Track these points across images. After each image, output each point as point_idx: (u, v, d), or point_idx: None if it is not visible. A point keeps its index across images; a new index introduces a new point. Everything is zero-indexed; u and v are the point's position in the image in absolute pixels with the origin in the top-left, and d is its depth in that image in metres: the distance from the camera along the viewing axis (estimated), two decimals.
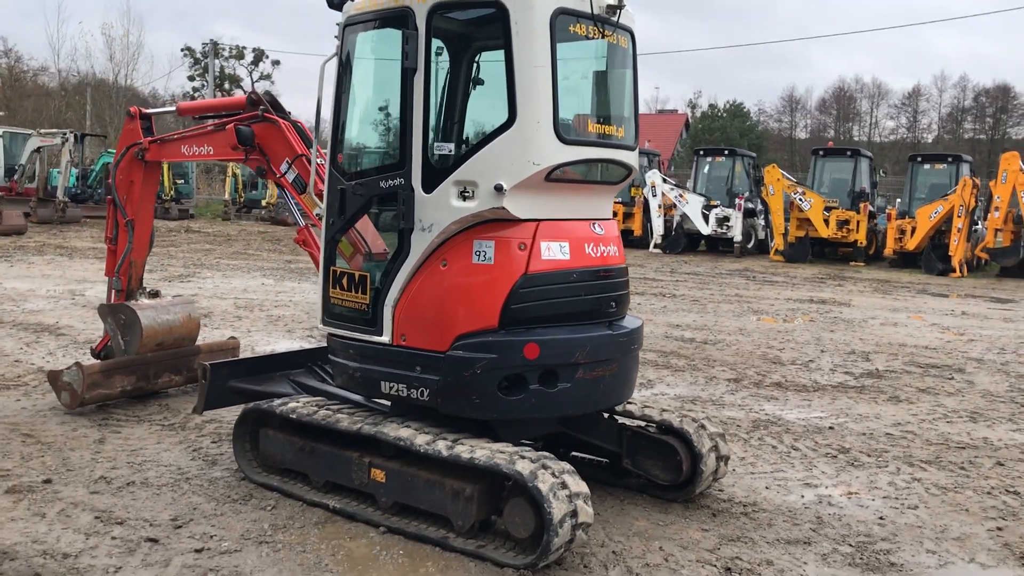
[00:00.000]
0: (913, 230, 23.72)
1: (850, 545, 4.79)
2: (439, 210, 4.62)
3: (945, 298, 17.77)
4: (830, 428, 7.13)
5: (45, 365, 8.21)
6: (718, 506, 5.31)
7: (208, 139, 6.53)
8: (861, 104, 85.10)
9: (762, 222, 28.13)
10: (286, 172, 6.15)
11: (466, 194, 4.57)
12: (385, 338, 4.86)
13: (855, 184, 26.00)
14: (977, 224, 24.43)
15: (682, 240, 27.13)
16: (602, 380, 4.85)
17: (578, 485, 4.37)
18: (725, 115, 69.51)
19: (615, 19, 4.78)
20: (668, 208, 27.27)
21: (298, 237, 6.25)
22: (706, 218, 26.48)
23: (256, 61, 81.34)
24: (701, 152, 30.11)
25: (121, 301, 7.12)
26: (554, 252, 4.70)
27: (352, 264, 5.10)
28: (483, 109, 5.05)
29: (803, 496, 5.55)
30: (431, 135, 4.70)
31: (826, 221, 24.82)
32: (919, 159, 26.76)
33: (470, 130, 5.13)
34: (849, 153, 27.16)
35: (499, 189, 4.46)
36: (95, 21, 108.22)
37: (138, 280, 7.24)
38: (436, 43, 4.71)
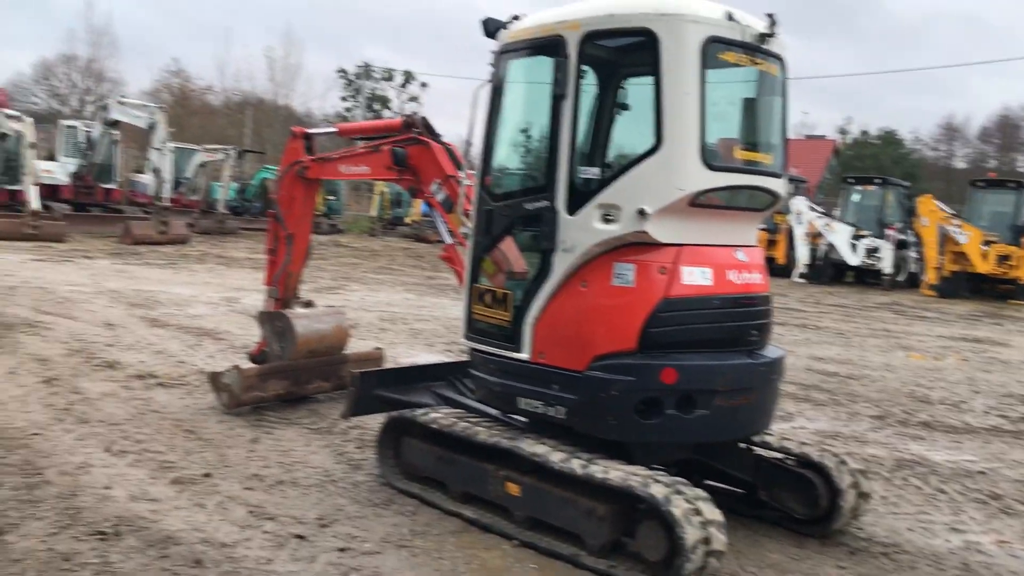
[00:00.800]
0: None
1: None
2: (582, 232, 4.72)
3: None
4: (981, 473, 6.80)
5: (206, 367, 8.76)
6: (856, 544, 5.16)
7: (365, 159, 6.86)
8: None
9: (914, 254, 26.87)
10: (436, 192, 6.39)
11: (609, 217, 4.65)
12: (524, 355, 4.99)
13: (1017, 217, 24.56)
14: None
15: (828, 270, 26.28)
16: (740, 409, 4.83)
17: (712, 512, 4.36)
18: (877, 142, 66.96)
19: (766, 47, 4.78)
20: (814, 236, 26.48)
21: (444, 254, 6.46)
22: (854, 248, 25.56)
23: (404, 83, 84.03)
24: (851, 180, 29.14)
25: (278, 309, 7.54)
26: (696, 277, 4.72)
27: (494, 282, 5.26)
28: (629, 134, 5.13)
29: (949, 541, 5.33)
30: (577, 159, 4.81)
31: (984, 255, 23.54)
32: None
33: (615, 154, 5.22)
34: (1012, 185, 25.71)
35: (642, 213, 4.53)
36: (258, 44, 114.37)
37: (294, 290, 7.66)
38: (585, 70, 4.82)
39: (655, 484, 4.41)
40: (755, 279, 5.01)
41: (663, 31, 4.49)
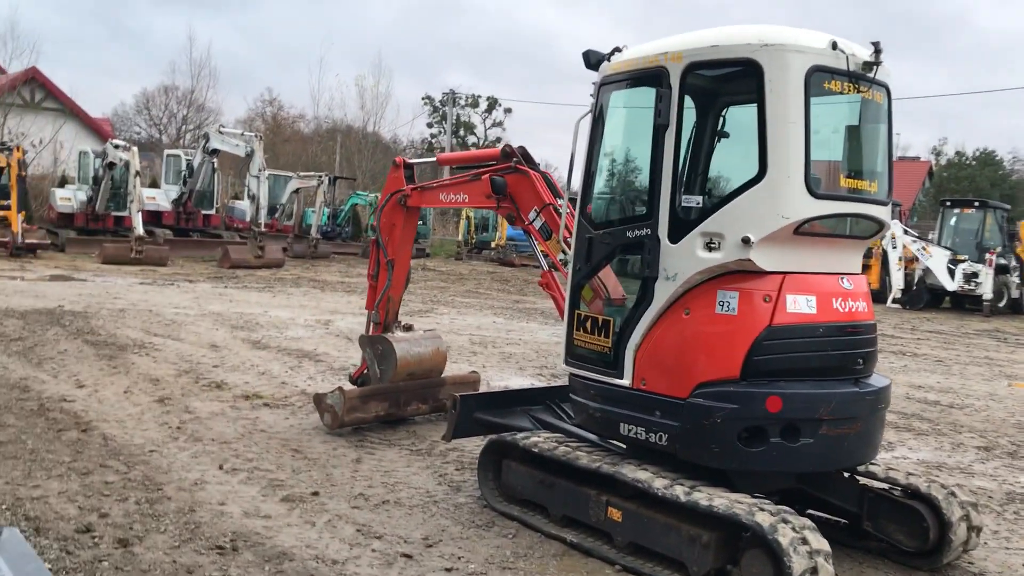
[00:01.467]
0: None
1: None
2: (684, 260, 4.77)
3: None
4: None
5: (307, 388, 9.04)
6: None
7: (464, 187, 7.03)
8: None
9: (1016, 279, 25.98)
10: (534, 220, 6.51)
11: (712, 245, 4.69)
12: (626, 381, 5.04)
13: None
14: None
15: (924, 296, 25.58)
16: (846, 438, 4.79)
17: (819, 542, 4.32)
18: (974, 163, 64.86)
19: (871, 75, 4.77)
20: (909, 261, 25.82)
21: (542, 280, 6.57)
22: (952, 273, 24.82)
23: (489, 109, 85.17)
24: (948, 203, 28.31)
25: (378, 333, 7.75)
26: (800, 305, 4.72)
27: (592, 308, 5.34)
28: (731, 163, 5.17)
29: None
30: (679, 188, 4.86)
31: None
32: None
33: (717, 183, 5.26)
34: None
35: (746, 241, 4.56)
36: (350, 73, 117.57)
37: (394, 315, 7.86)
38: (688, 100, 4.89)
39: (760, 512, 4.41)
40: (860, 307, 4.98)
41: (767, 61, 4.54)
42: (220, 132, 26.07)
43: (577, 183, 5.48)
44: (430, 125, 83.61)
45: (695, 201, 4.88)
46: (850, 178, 4.87)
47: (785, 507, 4.52)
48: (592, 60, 5.36)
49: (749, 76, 4.60)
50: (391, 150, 54.16)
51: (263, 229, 25.58)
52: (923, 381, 12.17)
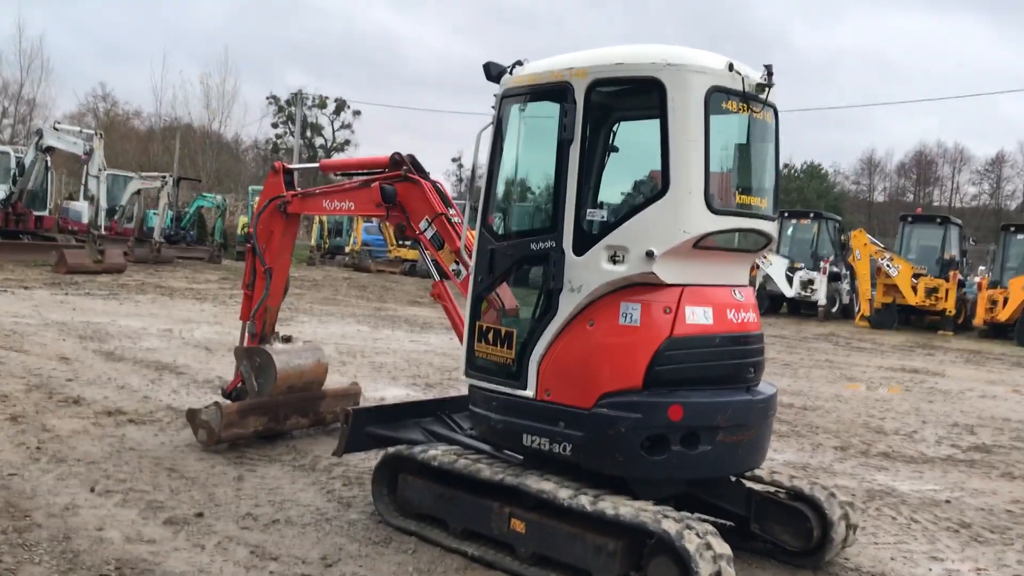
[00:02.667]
0: (1005, 300, 23.21)
1: None
2: (589, 272, 4.84)
3: None
4: (947, 502, 7.08)
5: (172, 402, 8.62)
6: (846, 575, 5.34)
7: (351, 195, 6.88)
8: (943, 169, 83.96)
9: (846, 287, 27.84)
10: (425, 230, 6.45)
11: (616, 258, 4.78)
12: (529, 392, 5.06)
13: (944, 251, 25.60)
14: None
15: (765, 301, 26.91)
16: (740, 445, 4.97)
17: (722, 547, 4.48)
18: (802, 175, 68.99)
19: (764, 96, 4.99)
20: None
21: (434, 291, 6.53)
22: (790, 280, 26.30)
23: (338, 111, 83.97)
24: (786, 214, 29.97)
25: (255, 345, 7.47)
26: (698, 317, 4.88)
27: (486, 319, 5.35)
28: (635, 178, 5.28)
29: (931, 570, 5.55)
30: (584, 201, 4.93)
31: (914, 288, 24.46)
32: (1012, 228, 26.21)
33: (621, 198, 5.36)
34: (939, 220, 26.81)
35: (650, 255, 4.67)
36: (193, 71, 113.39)
37: (272, 325, 7.60)
38: (592, 115, 4.96)
39: (666, 520, 4.52)
40: (751, 318, 5.19)
41: (670, 80, 4.67)
42: (56, 129, 24.51)
43: (479, 193, 5.46)
44: (275, 125, 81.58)
45: (599, 215, 4.96)
46: (744, 194, 5.07)
47: (687, 513, 4.65)
48: (493, 72, 5.37)
49: (652, 94, 4.72)
50: (232, 150, 52.46)
51: (102, 232, 24.23)
52: (776, 384, 12.78)
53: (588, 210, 4.94)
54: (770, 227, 5.25)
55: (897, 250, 25.93)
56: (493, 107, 5.35)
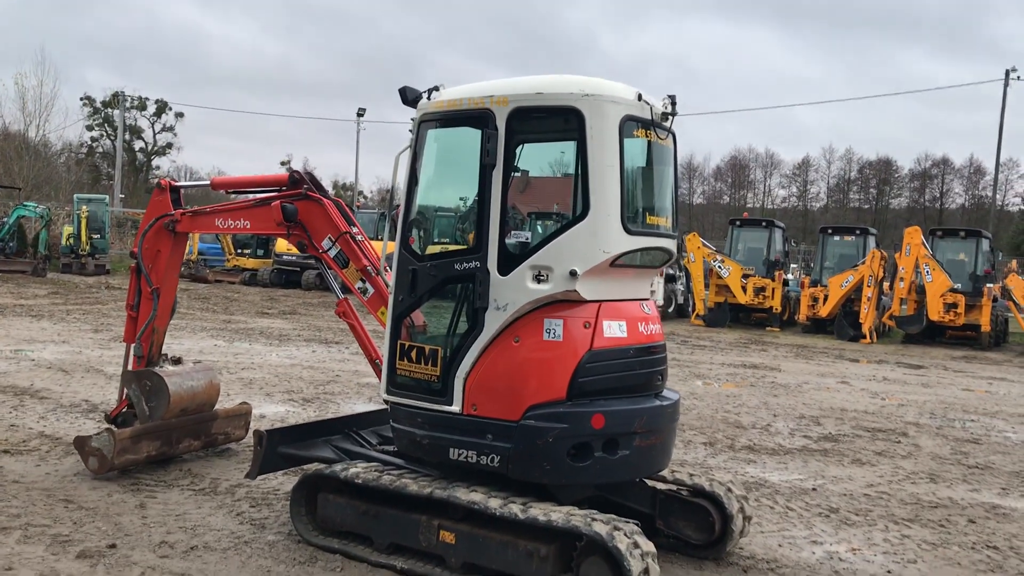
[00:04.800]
0: (825, 298, 25.17)
1: None
2: (514, 291, 5.07)
3: (858, 363, 18.97)
4: (813, 489, 7.76)
5: (44, 429, 8.21)
6: (745, 563, 5.82)
7: (247, 214, 6.82)
8: (756, 173, 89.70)
9: (681, 287, 29.36)
10: (329, 249, 6.49)
11: (541, 277, 5.04)
12: (455, 408, 5.24)
13: (770, 253, 27.45)
14: (884, 294, 26.08)
15: None
16: (653, 448, 5.35)
17: (648, 545, 4.81)
18: None
19: (668, 124, 5.38)
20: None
21: (338, 309, 6.57)
22: None
23: (159, 113, 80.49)
24: None
25: (142, 367, 7.25)
26: (614, 330, 5.21)
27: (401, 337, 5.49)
28: (554, 202, 5.55)
29: (814, 553, 6.12)
30: (508, 224, 5.16)
31: (744, 288, 26.10)
32: (829, 231, 28.45)
33: (543, 220, 5.62)
34: (764, 224, 28.69)
35: (573, 274, 4.96)
36: (7, 71, 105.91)
37: (159, 347, 7.40)
38: (513, 142, 5.19)
39: (595, 522, 4.81)
40: (657, 329, 5.57)
41: (588, 110, 4.97)
42: None
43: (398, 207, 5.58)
44: (90, 128, 77.35)
45: (524, 237, 5.21)
46: (651, 215, 5.44)
47: (613, 515, 4.96)
48: (409, 97, 5.51)
49: (571, 122, 5.01)
50: (42, 154, 49.21)
51: None
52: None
53: (513, 232, 5.18)
54: (673, 244, 5.65)
55: (727, 252, 27.57)
56: (411, 131, 5.49)
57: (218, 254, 36.14)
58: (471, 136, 5.24)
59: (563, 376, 5.05)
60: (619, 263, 5.18)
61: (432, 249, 5.60)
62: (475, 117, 5.20)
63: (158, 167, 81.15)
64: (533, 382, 5.07)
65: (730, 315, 26.70)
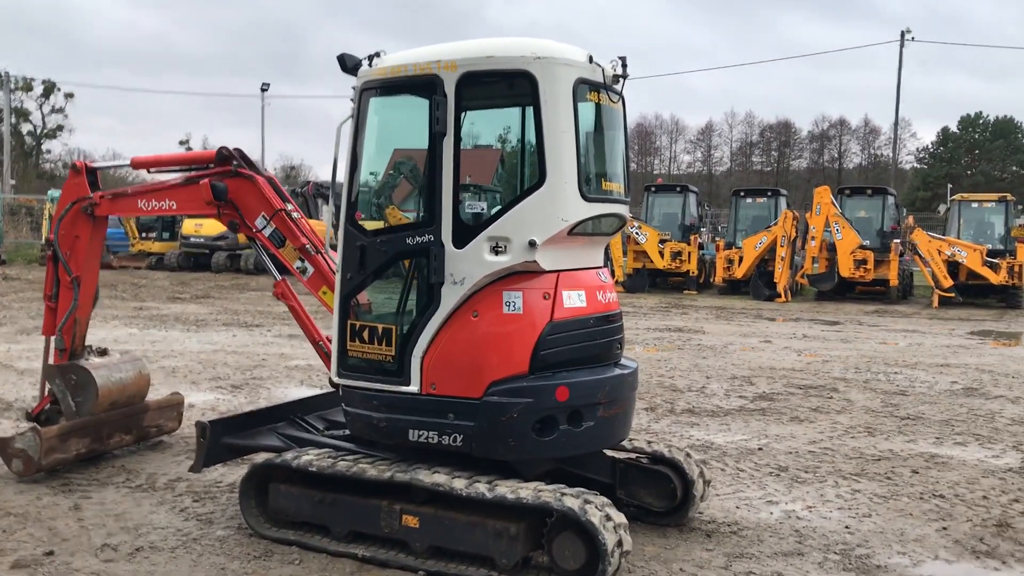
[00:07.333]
0: (740, 260, 25.64)
1: (835, 553, 5.40)
2: (471, 264, 4.89)
3: (775, 321, 19.40)
4: (759, 449, 7.83)
5: None
6: (708, 528, 5.80)
7: (172, 193, 6.45)
8: (662, 139, 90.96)
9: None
10: (263, 228, 6.19)
11: (499, 249, 4.87)
12: (413, 388, 5.05)
13: (685, 217, 27.79)
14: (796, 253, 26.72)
15: None
16: (616, 418, 5.26)
17: (619, 516, 4.73)
18: None
19: (619, 87, 5.25)
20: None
21: (276, 291, 6.28)
22: None
23: (47, 94, 76.90)
24: None
25: (65, 361, 6.83)
26: (574, 300, 5.08)
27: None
28: (510, 170, 5.37)
29: (772, 513, 6.15)
30: (461, 194, 4.96)
31: (661, 253, 26.38)
32: (742, 193, 28.94)
33: (499, 189, 5.43)
34: (678, 189, 29.04)
35: (532, 244, 4.80)
36: None
37: (82, 339, 6.97)
38: (463, 108, 4.98)
39: (566, 497, 4.70)
40: (613, 297, 5.46)
41: (540, 73, 4.79)
42: None
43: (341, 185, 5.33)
44: None
45: (480, 207, 5.02)
46: (606, 181, 5.31)
47: (582, 489, 4.85)
48: (349, 64, 5.24)
49: (524, 87, 4.83)
50: None
51: None
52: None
53: (468, 203, 4.99)
54: (625, 210, 5.54)
55: (643, 218, 27.80)
56: (352, 100, 5.23)
57: (122, 239, 34.69)
58: (419, 103, 5.00)
59: (524, 349, 4.90)
60: (576, 231, 5.04)
61: (380, 224, 5.35)
62: (422, 84, 4.97)
63: (49, 151, 77.62)
64: (494, 357, 4.91)
65: (648, 280, 26.98)
